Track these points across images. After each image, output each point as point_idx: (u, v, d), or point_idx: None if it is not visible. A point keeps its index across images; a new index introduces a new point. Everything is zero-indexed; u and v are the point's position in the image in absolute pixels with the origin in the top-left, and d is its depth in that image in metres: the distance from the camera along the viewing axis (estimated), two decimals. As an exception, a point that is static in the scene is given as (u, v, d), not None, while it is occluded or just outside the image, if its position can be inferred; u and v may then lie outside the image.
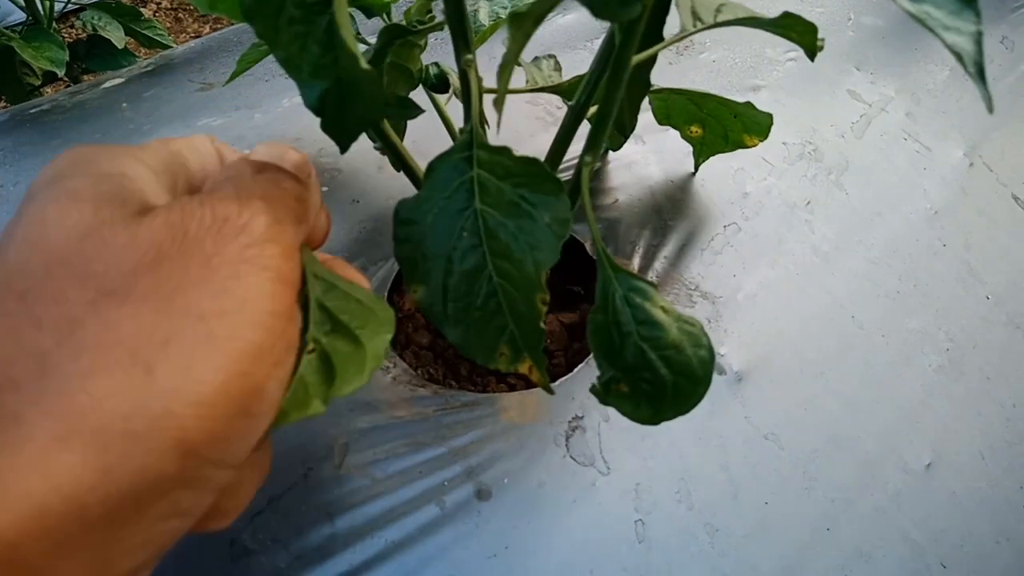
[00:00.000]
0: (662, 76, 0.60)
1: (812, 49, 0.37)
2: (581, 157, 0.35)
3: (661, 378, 0.31)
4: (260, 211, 0.21)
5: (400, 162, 0.40)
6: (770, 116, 0.45)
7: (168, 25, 1.95)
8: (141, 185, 0.21)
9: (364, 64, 0.27)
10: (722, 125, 0.48)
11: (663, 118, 0.50)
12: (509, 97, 0.57)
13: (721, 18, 0.37)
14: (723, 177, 0.53)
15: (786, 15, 0.36)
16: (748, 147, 0.48)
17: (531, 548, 0.37)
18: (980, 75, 0.22)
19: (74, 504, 0.16)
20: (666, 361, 0.31)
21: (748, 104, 0.44)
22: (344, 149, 0.30)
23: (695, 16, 0.37)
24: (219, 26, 1.94)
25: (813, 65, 0.64)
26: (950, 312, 0.53)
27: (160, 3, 1.99)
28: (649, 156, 0.53)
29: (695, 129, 0.49)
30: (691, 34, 0.37)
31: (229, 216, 0.20)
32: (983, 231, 0.58)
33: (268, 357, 0.20)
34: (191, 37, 1.93)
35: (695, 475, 0.41)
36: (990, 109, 0.21)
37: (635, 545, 0.38)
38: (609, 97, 0.33)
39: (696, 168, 0.53)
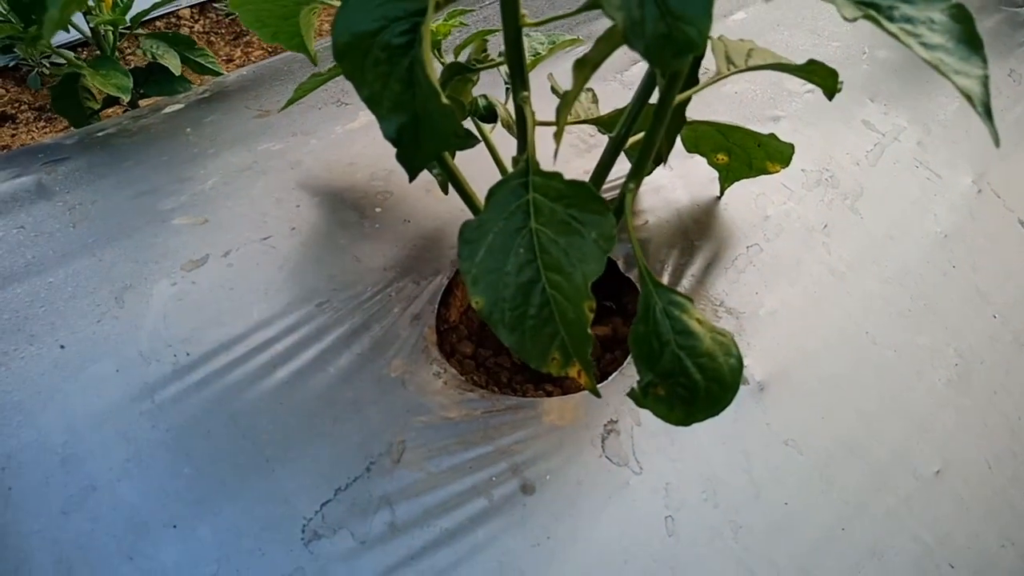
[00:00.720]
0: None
1: (832, 91, 0.41)
2: (625, 183, 0.39)
3: (695, 383, 0.35)
4: None
5: (456, 186, 0.44)
6: (792, 146, 0.49)
7: (215, 49, 2.02)
8: None
9: (444, 99, 0.31)
10: (747, 153, 0.52)
11: (691, 146, 0.54)
12: (547, 127, 0.62)
13: (752, 63, 0.41)
14: (745, 201, 0.56)
15: (811, 62, 0.40)
16: (771, 173, 0.52)
17: (571, 538, 0.41)
18: (988, 114, 0.25)
19: None
20: (700, 368, 0.35)
21: (772, 135, 0.48)
22: (412, 178, 0.34)
23: (728, 60, 0.42)
24: (249, 50, 2.00)
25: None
26: (959, 330, 0.56)
27: (193, 27, 2.06)
28: (676, 181, 0.57)
29: (721, 157, 0.53)
30: (725, 77, 0.41)
31: None
32: (991, 254, 0.61)
33: None
34: (223, 60, 1.99)
35: (720, 476, 0.44)
36: (997, 144, 0.25)
37: (665, 539, 0.42)
38: (653, 131, 0.37)
39: (722, 192, 0.57)
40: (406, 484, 0.40)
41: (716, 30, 0.70)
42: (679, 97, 0.38)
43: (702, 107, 0.64)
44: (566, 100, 0.35)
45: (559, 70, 0.66)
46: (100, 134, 0.67)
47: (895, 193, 0.61)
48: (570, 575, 0.40)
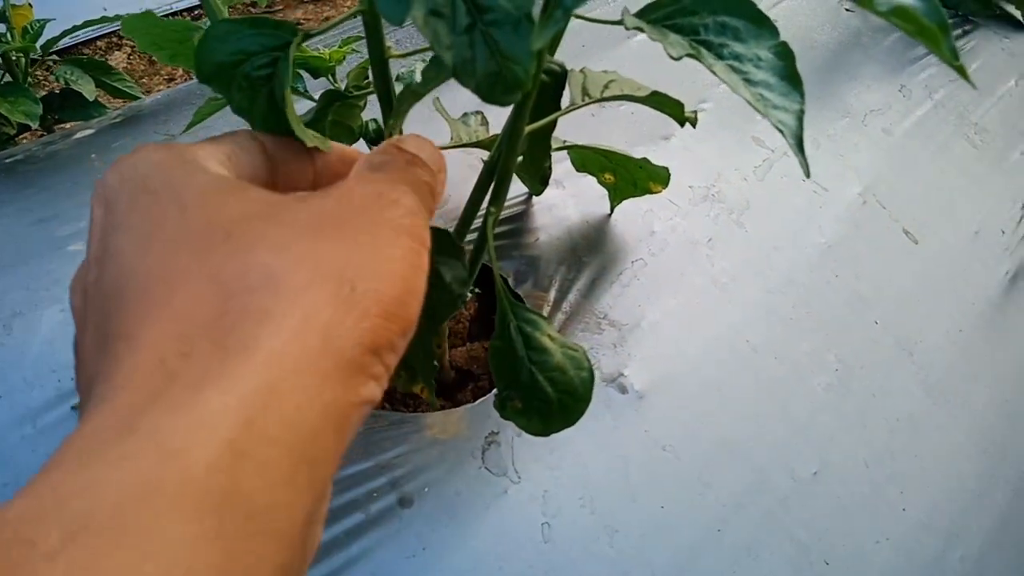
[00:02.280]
0: (584, 127, 0.67)
1: (681, 120, 0.44)
2: (487, 208, 0.41)
3: (548, 396, 0.37)
4: (406, 192, 0.27)
5: None
6: (666, 169, 0.52)
7: (142, 68, 2.01)
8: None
9: (309, 141, 0.32)
10: (631, 174, 0.54)
11: (579, 166, 0.56)
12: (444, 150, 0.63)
13: (607, 94, 0.44)
14: (633, 217, 0.59)
15: (655, 93, 0.43)
16: (654, 192, 0.54)
17: (447, 549, 0.42)
18: (800, 148, 0.27)
19: (313, 382, 0.21)
20: (551, 381, 0.37)
21: (645, 160, 0.51)
22: None
23: (584, 92, 0.44)
24: (191, 70, 1.99)
25: (721, 114, 0.70)
26: (840, 336, 0.59)
27: (134, 47, 2.05)
28: (568, 200, 0.59)
29: (608, 176, 0.56)
30: (580, 107, 0.43)
31: (384, 192, 0.27)
32: (874, 262, 0.64)
33: (415, 298, 0.25)
34: (164, 79, 1.98)
35: (598, 483, 0.46)
36: (807, 174, 0.27)
37: (541, 545, 0.43)
38: (506, 158, 0.38)
39: (612, 210, 0.59)
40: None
41: (619, 52, 0.73)
42: (536, 125, 0.40)
43: (598, 126, 0.66)
44: (389, 128, 0.37)
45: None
46: (8, 160, 0.67)
47: (781, 206, 0.64)
48: (444, 584, 0.41)
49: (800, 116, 0.28)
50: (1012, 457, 0.60)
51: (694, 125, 0.46)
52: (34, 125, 0.70)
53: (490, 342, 0.38)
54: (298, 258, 0.23)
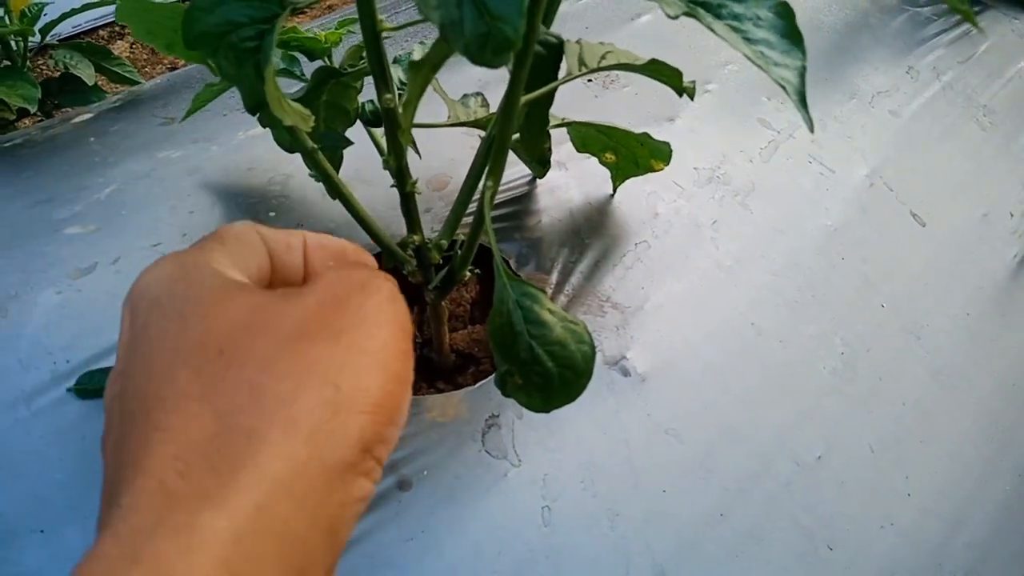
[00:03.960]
0: (588, 107, 0.66)
1: (680, 90, 0.43)
2: (484, 182, 0.40)
3: (548, 370, 0.36)
4: (386, 280, 0.29)
5: (333, 190, 0.44)
6: (668, 144, 0.51)
7: (145, 57, 2.00)
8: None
9: (288, 121, 0.32)
10: (632, 152, 0.53)
11: (580, 146, 0.55)
12: (445, 129, 0.63)
13: (604, 63, 0.43)
14: (637, 199, 0.58)
15: (653, 61, 0.42)
16: (656, 171, 0.53)
17: (446, 532, 0.41)
18: (802, 103, 0.27)
19: (300, 491, 0.22)
20: (551, 355, 0.36)
21: (646, 135, 0.50)
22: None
23: (581, 62, 0.43)
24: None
25: (727, 96, 0.69)
26: (846, 320, 0.58)
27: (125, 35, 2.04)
28: (571, 182, 0.59)
29: (609, 156, 0.55)
30: (575, 77, 0.42)
31: (366, 281, 0.28)
32: (881, 246, 0.63)
33: (405, 385, 0.27)
34: (167, 68, 1.97)
35: (599, 466, 0.46)
36: (811, 130, 0.26)
37: (541, 529, 0.43)
38: (502, 131, 0.38)
39: (614, 190, 0.58)
40: (281, 483, 0.41)
41: (622, 33, 0.72)
42: (531, 96, 0.39)
43: (601, 107, 0.65)
44: (406, 101, 0.36)
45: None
46: (6, 144, 0.67)
47: (787, 188, 0.63)
48: (442, 568, 0.40)
49: (802, 72, 0.27)
50: (1018, 443, 0.59)
51: (692, 97, 0.45)
52: (32, 109, 0.70)
53: (488, 318, 0.37)
54: (283, 371, 0.24)
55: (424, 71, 0.35)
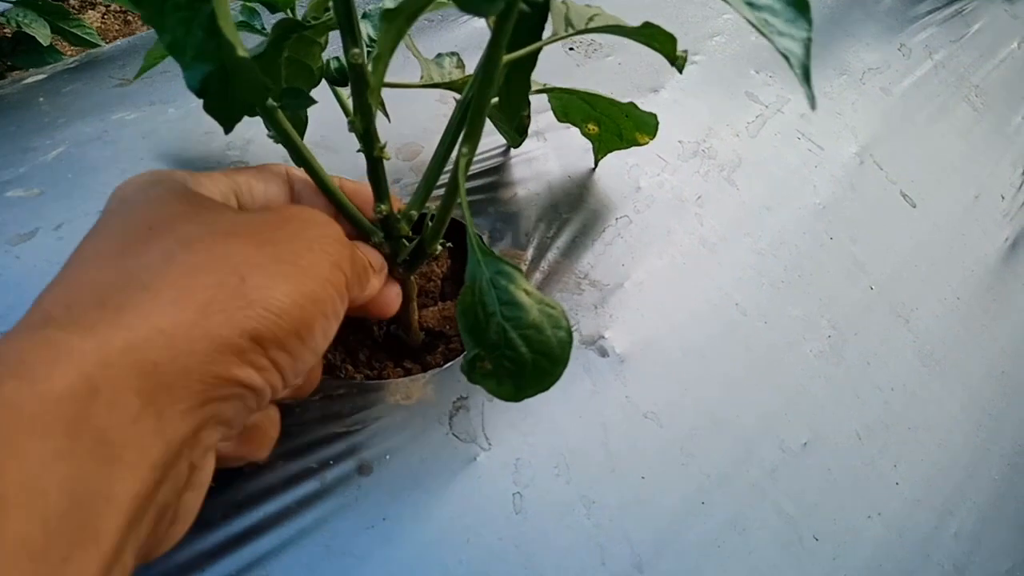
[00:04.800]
0: (570, 76, 0.63)
1: (673, 58, 0.40)
2: (459, 149, 0.37)
3: (521, 356, 0.33)
4: (335, 227, 0.32)
5: (295, 153, 0.41)
6: (654, 115, 0.48)
7: (117, 27, 1.94)
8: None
9: (241, 51, 0.29)
10: (616, 124, 0.51)
11: (561, 116, 0.52)
12: (418, 93, 0.59)
13: (591, 25, 0.40)
14: (618, 172, 0.55)
15: (647, 24, 0.39)
16: (641, 144, 0.50)
17: (409, 519, 0.39)
18: (806, 77, 0.24)
19: (178, 345, 0.23)
20: (526, 340, 0.33)
21: (632, 104, 0.47)
22: (227, 130, 0.32)
23: (568, 22, 0.40)
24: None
25: (714, 68, 0.67)
26: (834, 301, 0.56)
27: (109, 6, 1.98)
28: (549, 152, 0.56)
29: (592, 127, 0.52)
30: (561, 38, 0.39)
31: (316, 220, 0.31)
32: (870, 225, 0.61)
33: (319, 306, 0.28)
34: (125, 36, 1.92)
35: (574, 451, 0.43)
36: (813, 106, 0.23)
37: (512, 516, 0.40)
38: (481, 92, 0.34)
39: (596, 164, 0.55)
40: (229, 472, 0.38)
41: (607, 1, 0.69)
42: (513, 55, 0.36)
43: (584, 77, 0.62)
44: (378, 53, 0.33)
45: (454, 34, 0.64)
46: (-49, 105, 0.62)
47: (774, 164, 0.60)
48: (405, 556, 0.38)
49: (807, 44, 0.25)
50: (1008, 431, 0.57)
51: (680, 69, 0.42)
52: (-20, 68, 0.66)
53: (459, 297, 0.34)
54: (200, 247, 0.26)
55: (399, 22, 0.32)
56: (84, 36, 0.80)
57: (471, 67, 0.51)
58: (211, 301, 0.24)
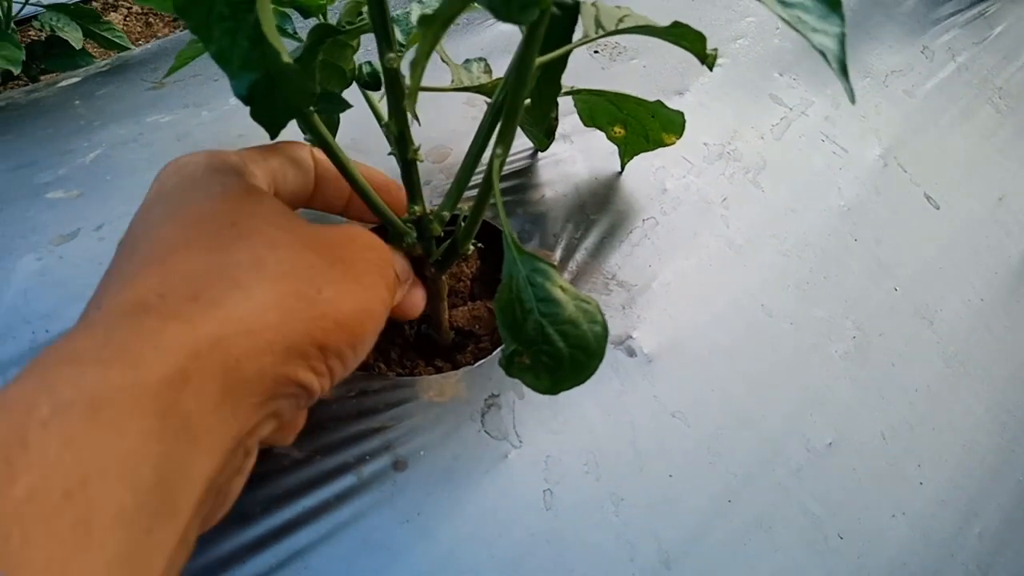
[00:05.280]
0: (595, 79, 0.63)
1: (703, 56, 0.41)
2: (492, 150, 0.38)
3: (559, 351, 0.34)
4: (387, 251, 0.34)
5: (328, 152, 0.41)
6: (681, 114, 0.48)
7: (139, 30, 1.96)
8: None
9: (286, 58, 0.30)
10: (642, 125, 0.51)
11: (588, 120, 0.53)
12: (446, 97, 0.60)
13: (621, 26, 0.40)
14: (644, 175, 0.56)
15: (676, 24, 0.39)
16: (668, 145, 0.51)
17: (443, 515, 0.39)
18: (843, 71, 0.25)
19: (259, 345, 0.25)
20: (563, 335, 0.34)
21: (659, 103, 0.48)
22: (273, 136, 0.33)
23: (598, 24, 0.40)
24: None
25: (738, 71, 0.67)
26: (858, 302, 0.56)
27: (131, 8, 2.00)
28: (576, 155, 0.56)
29: (618, 130, 0.52)
30: (592, 40, 0.40)
31: (373, 244, 0.34)
32: (894, 227, 0.61)
33: (373, 322, 0.31)
34: (155, 38, 1.94)
35: (603, 449, 0.44)
36: (852, 100, 0.24)
37: (543, 512, 0.41)
38: (514, 94, 0.35)
39: (622, 168, 0.56)
40: (267, 463, 0.39)
41: (632, 2, 0.69)
42: (544, 58, 0.37)
43: (608, 80, 0.63)
44: (416, 59, 0.34)
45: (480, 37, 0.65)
46: (-11, 108, 0.64)
47: (799, 167, 0.61)
48: (439, 551, 0.39)
49: (842, 39, 0.25)
50: (1032, 432, 0.57)
51: (711, 67, 0.42)
52: (16, 71, 0.67)
53: (496, 294, 0.35)
54: (284, 256, 0.28)
55: (435, 27, 0.33)
56: (114, 39, 0.81)
57: (498, 71, 0.52)
58: (292, 308, 0.27)
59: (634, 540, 0.42)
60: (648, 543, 0.42)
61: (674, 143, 0.51)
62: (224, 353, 0.24)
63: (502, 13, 0.24)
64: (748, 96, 0.65)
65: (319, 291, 0.28)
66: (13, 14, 0.78)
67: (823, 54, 0.24)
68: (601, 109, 0.51)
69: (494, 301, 0.35)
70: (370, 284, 0.31)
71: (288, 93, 0.31)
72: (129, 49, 0.81)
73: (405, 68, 0.37)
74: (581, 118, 0.53)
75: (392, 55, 0.37)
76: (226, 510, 0.30)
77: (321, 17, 0.49)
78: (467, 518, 0.40)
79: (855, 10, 0.81)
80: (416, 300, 0.41)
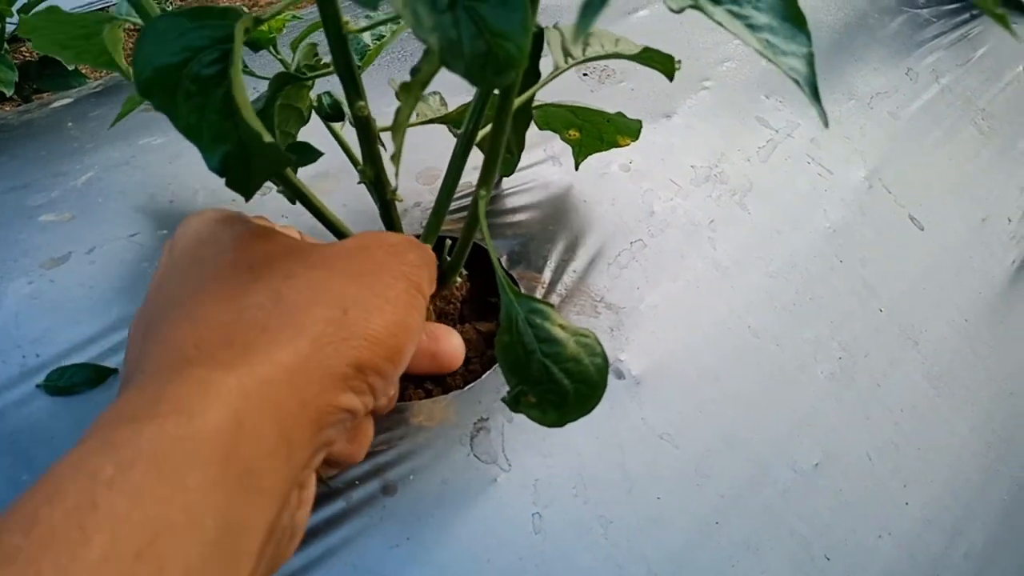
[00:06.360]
0: (583, 102, 0.64)
1: (671, 75, 0.41)
2: (476, 190, 0.38)
3: (564, 388, 0.35)
4: (413, 249, 0.33)
5: (304, 202, 0.40)
6: (638, 121, 0.49)
7: (131, 47, 1.97)
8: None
9: (267, 137, 0.29)
10: (597, 128, 0.51)
11: (543, 124, 0.53)
12: (422, 127, 0.60)
13: (590, 52, 0.41)
14: (632, 197, 0.56)
15: (646, 49, 0.40)
16: (622, 146, 0.51)
17: (432, 539, 0.40)
18: (815, 94, 0.25)
19: (298, 380, 0.26)
20: (567, 373, 0.35)
21: (619, 113, 0.48)
22: (247, 199, 0.32)
23: (566, 52, 0.41)
24: (96, 68, 1.96)
25: (725, 93, 0.68)
26: (844, 323, 0.57)
27: (123, 25, 2.01)
28: (565, 177, 0.57)
29: (572, 133, 0.53)
30: (564, 70, 0.41)
31: (396, 246, 0.32)
32: (879, 248, 0.62)
33: (408, 333, 0.30)
34: (154, 57, 1.94)
35: (592, 472, 0.44)
36: (825, 124, 0.24)
37: (531, 536, 0.41)
38: (496, 138, 0.35)
39: (576, 166, 0.55)
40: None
41: (619, 28, 0.70)
42: (520, 99, 0.37)
43: (597, 102, 0.63)
44: (398, 122, 0.34)
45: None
46: (-19, 129, 0.64)
47: (785, 189, 0.62)
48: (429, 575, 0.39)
49: (810, 60, 0.25)
50: (1017, 452, 0.58)
51: (671, 78, 0.43)
52: (8, 92, 0.68)
53: (496, 337, 0.35)
54: (303, 284, 0.28)
55: (415, 91, 0.33)
56: (107, 59, 0.81)
57: (453, 100, 0.51)
58: (321, 335, 0.27)
59: (623, 562, 0.42)
60: (637, 565, 0.42)
61: (629, 144, 0.51)
62: (270, 393, 0.25)
63: (478, 80, 0.23)
64: (735, 118, 0.66)
65: (344, 312, 0.28)
66: (5, 34, 0.78)
67: (795, 80, 0.25)
68: (556, 115, 0.52)
69: (495, 343, 0.36)
70: (398, 295, 0.30)
71: (263, 162, 0.31)
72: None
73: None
74: (536, 123, 0.52)
75: (362, 103, 0.36)
76: (295, 545, 0.30)
77: (271, 49, 0.48)
78: (456, 542, 0.40)
79: (840, 32, 0.82)
80: (456, 350, 0.41)
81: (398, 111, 0.33)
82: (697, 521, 0.45)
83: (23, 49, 1.31)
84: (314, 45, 0.44)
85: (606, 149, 0.52)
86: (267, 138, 0.28)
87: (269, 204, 0.54)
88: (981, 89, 0.82)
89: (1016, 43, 0.90)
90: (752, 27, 0.26)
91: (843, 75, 0.75)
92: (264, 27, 0.46)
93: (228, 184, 0.30)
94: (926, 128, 0.74)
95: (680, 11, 0.26)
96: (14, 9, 0.75)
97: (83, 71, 0.80)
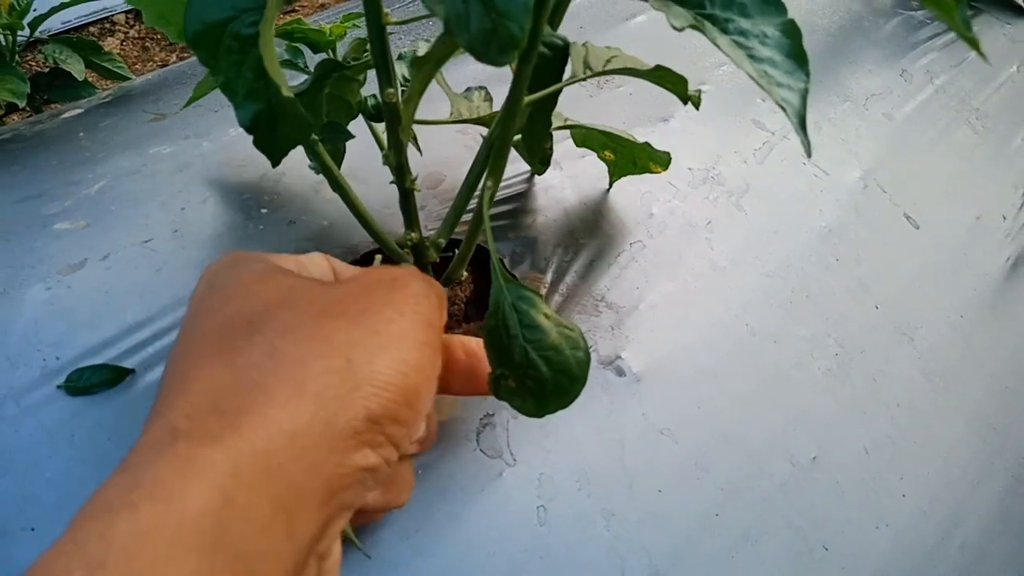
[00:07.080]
0: (583, 106, 0.66)
1: (684, 97, 0.43)
2: (484, 182, 0.40)
3: (542, 375, 0.36)
4: (415, 278, 0.31)
5: (330, 179, 0.43)
6: (669, 154, 0.51)
7: (136, 54, 1.99)
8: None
9: (286, 91, 0.31)
10: (631, 153, 0.53)
11: (580, 143, 0.55)
12: (441, 127, 0.62)
13: (608, 67, 0.42)
14: (631, 199, 0.58)
15: (659, 67, 0.42)
16: (654, 172, 0.53)
17: (440, 531, 0.41)
18: (802, 126, 0.26)
19: (300, 442, 0.23)
20: (546, 360, 0.36)
21: (647, 144, 0.50)
22: (275, 164, 0.34)
23: (586, 65, 0.43)
24: (186, 55, 1.98)
25: (721, 97, 0.69)
26: (840, 321, 0.58)
27: (128, 33, 2.03)
28: (566, 181, 0.58)
29: (608, 154, 0.55)
30: (581, 79, 0.42)
31: (397, 277, 0.31)
32: (875, 247, 0.63)
33: (421, 372, 0.28)
34: (158, 65, 1.96)
35: (594, 466, 0.45)
36: (809, 154, 0.26)
37: (536, 528, 0.42)
38: (504, 130, 0.37)
39: (610, 186, 0.58)
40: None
41: (617, 33, 0.72)
42: (533, 96, 0.39)
43: (596, 106, 0.65)
44: (408, 96, 0.36)
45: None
46: (-6, 140, 0.66)
47: (781, 189, 0.63)
48: (437, 567, 0.40)
49: (804, 95, 0.27)
50: (1012, 445, 0.59)
51: (697, 106, 0.44)
52: (21, 104, 0.69)
53: (485, 320, 0.37)
54: (301, 336, 0.26)
55: (428, 67, 0.35)
56: (115, 70, 0.83)
57: (498, 99, 0.54)
58: (324, 389, 0.24)
59: (625, 554, 0.43)
60: (639, 557, 0.43)
61: (660, 172, 0.53)
62: (266, 463, 0.22)
63: (481, 55, 0.25)
64: (731, 121, 0.67)
65: (348, 360, 0.25)
66: (17, 46, 0.80)
67: (784, 108, 0.26)
68: (593, 138, 0.54)
69: (484, 327, 0.37)
70: (403, 332, 0.28)
71: (288, 124, 0.33)
72: (130, 79, 0.84)
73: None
74: (574, 141, 0.55)
75: (391, 90, 0.39)
76: None
77: (330, 52, 0.51)
78: (464, 535, 0.41)
79: (835, 35, 0.83)
80: (481, 371, 0.38)
81: (409, 89, 0.35)
82: (697, 514, 0.46)
83: (32, 60, 1.34)
84: (364, 42, 0.46)
85: (639, 173, 0.54)
86: (286, 92, 0.30)
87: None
88: (975, 89, 0.83)
89: (1010, 43, 0.92)
90: (753, 58, 0.27)
91: (838, 77, 0.77)
92: (325, 30, 0.49)
93: (256, 144, 0.32)
94: (921, 128, 0.76)
95: (682, 29, 0.27)
96: (25, 22, 0.76)
97: (92, 81, 0.82)
